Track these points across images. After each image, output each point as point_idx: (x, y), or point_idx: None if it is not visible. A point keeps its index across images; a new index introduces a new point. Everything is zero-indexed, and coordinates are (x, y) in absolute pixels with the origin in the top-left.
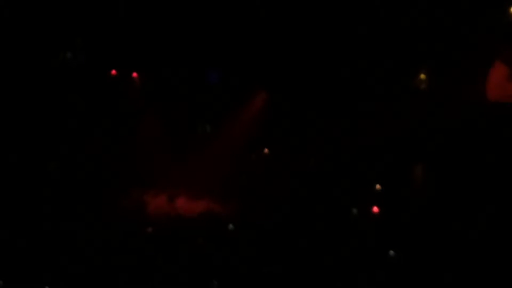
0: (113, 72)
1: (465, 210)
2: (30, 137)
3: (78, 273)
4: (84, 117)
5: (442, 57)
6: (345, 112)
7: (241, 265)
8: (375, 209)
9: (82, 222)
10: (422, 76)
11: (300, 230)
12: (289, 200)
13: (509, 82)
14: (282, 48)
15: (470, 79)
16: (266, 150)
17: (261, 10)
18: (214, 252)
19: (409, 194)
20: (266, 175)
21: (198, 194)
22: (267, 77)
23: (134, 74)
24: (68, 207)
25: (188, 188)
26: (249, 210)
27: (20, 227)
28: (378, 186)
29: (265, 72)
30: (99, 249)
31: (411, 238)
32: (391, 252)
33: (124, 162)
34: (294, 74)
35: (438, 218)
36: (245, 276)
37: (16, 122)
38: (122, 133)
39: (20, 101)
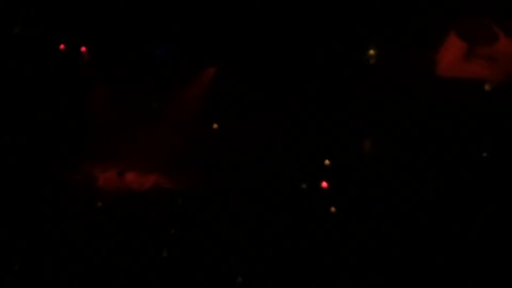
0: (62, 46)
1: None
2: None
3: (26, 247)
4: (32, 91)
5: (392, 31)
6: (293, 87)
7: (191, 238)
8: (324, 184)
9: (31, 197)
10: (371, 51)
11: (249, 204)
12: (239, 174)
13: (463, 61)
14: (230, 23)
15: (422, 54)
16: (215, 126)
17: None
18: (164, 226)
19: (358, 169)
20: (215, 150)
21: (148, 169)
22: (216, 52)
23: (83, 48)
24: (16, 182)
25: (138, 162)
26: (199, 185)
27: None
28: (327, 162)
29: (213, 47)
30: (48, 224)
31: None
32: None
33: (73, 137)
34: (242, 50)
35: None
36: (194, 248)
37: None
38: (71, 107)
39: None
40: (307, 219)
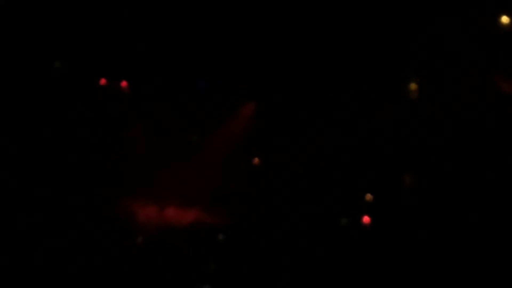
0: (103, 81)
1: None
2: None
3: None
4: (73, 126)
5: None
6: (334, 120)
7: (233, 274)
8: (366, 219)
9: (71, 232)
10: (413, 85)
11: (291, 239)
12: (280, 209)
13: None
14: (270, 58)
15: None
16: (256, 160)
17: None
18: (205, 262)
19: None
20: (257, 184)
21: (188, 204)
22: (256, 86)
23: (124, 83)
24: (57, 218)
25: (178, 197)
26: (240, 219)
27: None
28: (369, 196)
29: (254, 81)
30: (89, 258)
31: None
32: None
33: (114, 172)
34: (282, 83)
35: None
36: (236, 283)
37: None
38: (111, 142)
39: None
40: (348, 254)
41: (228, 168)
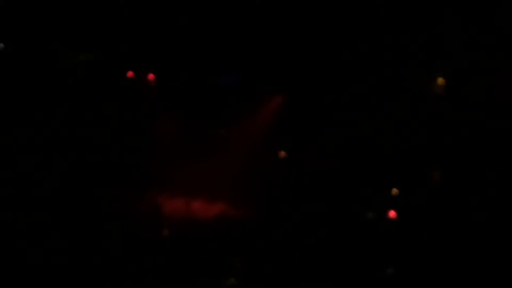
0: (130, 73)
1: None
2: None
3: (93, 277)
4: (100, 119)
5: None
6: (362, 115)
7: (256, 267)
8: (392, 213)
9: (99, 224)
10: (440, 80)
11: (316, 233)
12: (304, 203)
13: None
14: (298, 51)
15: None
16: (283, 154)
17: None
18: (230, 255)
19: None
20: (282, 178)
21: (214, 197)
22: (283, 79)
23: (151, 76)
24: (84, 210)
25: (204, 191)
26: (265, 213)
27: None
28: (395, 191)
29: (281, 75)
30: (115, 251)
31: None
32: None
33: (140, 165)
34: (310, 77)
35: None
36: (260, 277)
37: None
38: (138, 135)
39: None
40: (373, 248)
41: (255, 162)
